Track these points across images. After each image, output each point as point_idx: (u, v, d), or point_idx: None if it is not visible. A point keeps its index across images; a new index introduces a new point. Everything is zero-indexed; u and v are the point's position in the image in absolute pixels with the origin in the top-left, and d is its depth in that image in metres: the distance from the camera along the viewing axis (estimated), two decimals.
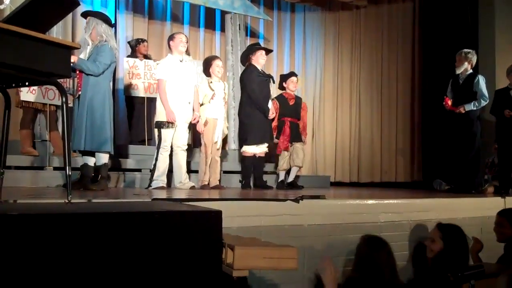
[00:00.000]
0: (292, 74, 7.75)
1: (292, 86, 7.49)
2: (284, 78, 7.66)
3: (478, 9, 9.11)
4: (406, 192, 6.76)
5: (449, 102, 6.84)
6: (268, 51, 7.21)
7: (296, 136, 7.39)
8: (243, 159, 6.96)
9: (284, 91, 7.54)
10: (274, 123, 7.22)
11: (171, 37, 6.26)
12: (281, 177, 7.38)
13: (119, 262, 2.23)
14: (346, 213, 4.37)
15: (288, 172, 7.45)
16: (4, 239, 1.97)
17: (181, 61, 6.12)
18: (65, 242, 2.10)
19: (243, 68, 7.19)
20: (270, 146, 7.05)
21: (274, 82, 7.22)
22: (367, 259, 3.38)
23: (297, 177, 7.62)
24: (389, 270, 3.36)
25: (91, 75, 5.15)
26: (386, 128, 10.02)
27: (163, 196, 4.15)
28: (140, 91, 7.49)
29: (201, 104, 6.42)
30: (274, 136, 7.24)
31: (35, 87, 6.04)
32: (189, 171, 6.48)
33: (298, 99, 7.59)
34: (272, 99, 7.33)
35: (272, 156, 7.73)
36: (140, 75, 7.50)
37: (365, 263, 3.38)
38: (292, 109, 7.41)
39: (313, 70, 9.97)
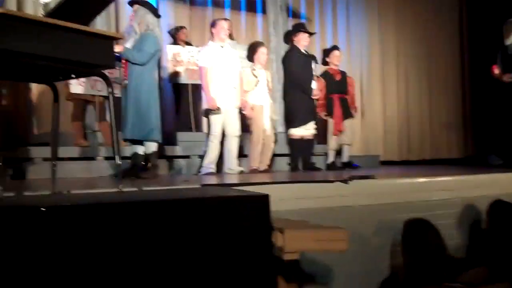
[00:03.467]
0: (334, 48, 7.61)
1: (336, 60, 7.37)
2: (326, 52, 7.55)
3: None
4: (458, 169, 6.60)
5: (496, 71, 6.64)
6: (310, 34, 7.15)
7: (346, 112, 7.29)
8: (290, 142, 6.94)
9: (328, 66, 7.46)
10: (322, 101, 7.16)
11: (213, 24, 6.27)
12: (331, 158, 7.33)
13: (171, 249, 2.25)
14: (397, 192, 4.29)
15: (339, 152, 7.40)
16: (58, 230, 2.01)
17: (222, 47, 6.12)
18: (118, 231, 2.14)
19: (286, 49, 7.14)
20: (318, 127, 7.00)
21: (317, 63, 7.17)
22: (415, 242, 3.32)
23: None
24: (438, 250, 3.30)
25: (137, 64, 5.20)
26: (435, 103, 9.83)
27: (212, 182, 4.17)
28: (184, 78, 7.51)
29: (246, 92, 6.44)
30: (324, 114, 7.18)
31: (84, 79, 6.14)
32: (239, 156, 6.49)
33: (344, 74, 7.48)
34: (317, 77, 7.28)
35: (320, 136, 7.72)
36: (183, 62, 7.52)
37: (413, 245, 3.33)
38: (339, 84, 7.31)
39: (358, 47, 9.82)
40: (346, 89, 7.39)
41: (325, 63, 7.53)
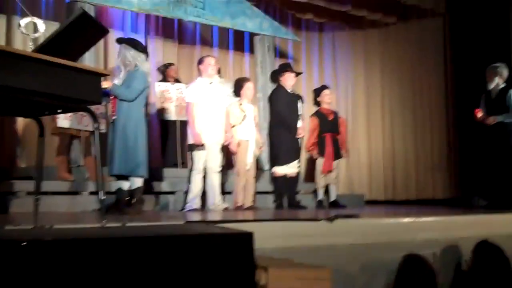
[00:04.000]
0: (324, 87, 7.69)
1: (327, 99, 7.45)
2: (317, 92, 7.64)
3: (509, 21, 8.95)
4: (443, 209, 6.62)
5: (479, 114, 6.73)
6: (297, 74, 7.26)
7: (337, 152, 7.35)
8: (274, 179, 6.98)
9: (320, 106, 7.52)
10: (314, 140, 7.23)
11: (200, 61, 6.34)
12: (320, 196, 7.37)
13: (153, 285, 2.22)
14: (382, 232, 4.29)
15: (326, 191, 7.43)
16: (39, 265, 1.99)
17: (210, 83, 6.17)
18: (99, 267, 2.12)
19: (273, 88, 7.24)
20: (307, 165, 7.04)
21: (303, 102, 7.28)
22: (407, 281, 3.28)
23: None
24: None
25: (125, 100, 5.22)
26: (420, 143, 9.85)
27: (197, 219, 4.15)
28: (172, 115, 7.54)
29: (232, 126, 6.47)
30: (315, 153, 7.22)
31: (70, 114, 6.14)
32: (223, 192, 6.50)
33: (336, 114, 7.56)
34: (311, 116, 7.41)
35: (308, 174, 7.71)
36: (171, 99, 7.56)
37: (405, 285, 3.29)
38: (331, 124, 7.39)
39: (343, 88, 9.92)
40: (338, 129, 7.46)
41: (316, 103, 7.62)
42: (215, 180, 6.11)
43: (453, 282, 3.93)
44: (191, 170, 6.07)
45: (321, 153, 7.24)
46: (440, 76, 9.91)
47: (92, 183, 6.22)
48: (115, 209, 5.20)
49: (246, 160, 6.49)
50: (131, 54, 5.32)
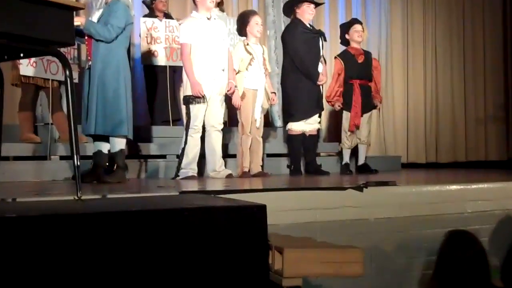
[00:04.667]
0: (354, 21, 7.59)
1: (357, 37, 7.31)
2: (345, 28, 7.51)
3: None
4: (498, 174, 6.61)
5: None
6: (317, 5, 7.15)
7: (368, 103, 7.28)
8: (290, 138, 6.97)
9: (348, 46, 7.44)
10: (339, 87, 7.16)
11: None
12: (345, 158, 7.34)
13: (140, 274, 2.23)
14: (423, 202, 4.31)
15: (353, 152, 7.41)
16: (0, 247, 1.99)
17: (209, 19, 6.12)
18: (75, 249, 2.12)
19: (287, 23, 7.13)
20: (329, 120, 7.01)
21: (325, 40, 7.16)
22: (451, 262, 3.28)
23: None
24: (481, 276, 3.26)
25: (102, 41, 5.19)
26: (471, 94, 9.83)
27: (194, 188, 4.17)
28: (161, 59, 7.51)
29: (237, 72, 6.43)
30: (338, 104, 7.16)
31: (35, 60, 6.11)
32: (226, 155, 6.50)
33: (368, 55, 7.47)
34: (336, 57, 7.32)
35: (330, 131, 7.67)
36: (160, 39, 7.52)
37: (449, 267, 3.28)
38: (361, 67, 7.28)
39: (376, 23, 9.85)
40: (370, 74, 7.38)
41: (343, 41, 7.53)
42: (216, 140, 6.11)
43: (504, 263, 3.93)
44: (186, 128, 6.04)
45: (348, 104, 7.15)
46: (497, 10, 9.76)
47: (64, 145, 6.22)
48: (92, 177, 5.21)
49: (253, 115, 6.47)
50: None
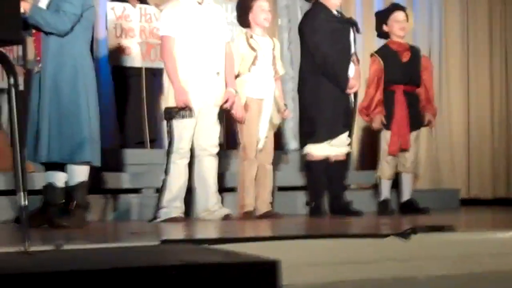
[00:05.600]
0: (395, 7, 7.62)
1: (399, 28, 7.37)
2: (382, 16, 7.59)
3: None
4: None
5: None
6: None
7: (416, 117, 7.31)
8: (309, 166, 6.99)
9: (387, 39, 7.50)
10: (377, 96, 7.17)
11: None
12: (384, 193, 7.35)
13: None
14: (490, 254, 4.26)
15: (395, 184, 7.42)
16: None
17: (200, 3, 6.17)
18: None
19: (306, 10, 7.19)
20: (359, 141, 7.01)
21: (358, 32, 7.21)
22: None
23: None
24: None
25: (53, 33, 5.20)
26: None
27: (179, 236, 4.22)
28: (135, 59, 7.57)
29: (237, 76, 6.46)
30: (377, 119, 7.14)
31: None
32: (222, 189, 6.53)
33: (415, 52, 7.52)
34: (372, 55, 7.38)
35: (363, 156, 7.65)
36: (134, 32, 7.58)
37: None
38: (406, 68, 7.34)
39: (425, 9, 9.89)
40: (419, 77, 7.41)
41: (381, 34, 7.59)
42: (209, 168, 6.16)
43: None
44: (168, 152, 6.08)
45: (388, 119, 7.18)
46: None
47: (4, 175, 6.21)
48: (42, 219, 5.22)
49: (258, 134, 6.50)
50: None
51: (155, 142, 7.66)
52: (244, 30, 6.71)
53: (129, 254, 2.99)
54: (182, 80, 5.98)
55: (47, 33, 5.23)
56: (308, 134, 6.89)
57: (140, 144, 7.61)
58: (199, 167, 6.15)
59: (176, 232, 4.54)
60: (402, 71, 7.27)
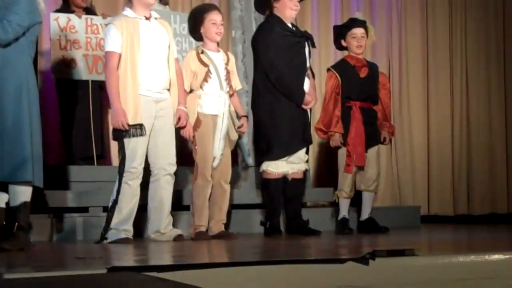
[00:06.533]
0: (354, 22, 7.60)
1: (358, 43, 7.39)
2: (340, 31, 7.60)
3: None
4: None
5: None
6: None
7: (373, 134, 7.36)
8: (265, 184, 6.97)
9: (346, 53, 7.51)
10: (334, 111, 7.18)
11: None
12: (343, 211, 7.35)
13: None
14: (453, 279, 4.23)
15: (354, 202, 7.46)
16: None
17: (147, 18, 6.14)
18: None
19: (260, 21, 7.22)
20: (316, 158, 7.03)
21: (314, 46, 7.23)
22: None
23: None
24: None
25: None
26: None
27: (128, 262, 4.12)
28: (81, 71, 7.51)
29: (190, 91, 6.45)
30: (335, 135, 7.17)
31: None
32: (175, 207, 6.50)
33: (373, 67, 7.57)
34: (329, 69, 7.38)
35: (321, 173, 7.64)
36: (79, 43, 7.52)
37: None
38: (364, 84, 7.37)
39: (384, 22, 9.95)
40: (376, 94, 7.48)
41: (339, 46, 7.61)
42: (165, 188, 6.13)
43: None
44: (120, 171, 6.01)
45: (345, 135, 7.20)
46: None
47: None
48: None
49: (212, 151, 6.46)
50: None
51: (103, 158, 7.60)
52: (195, 43, 6.79)
53: (73, 284, 2.92)
54: (130, 98, 5.93)
55: None
56: (264, 151, 6.89)
57: (87, 161, 7.54)
58: (155, 187, 6.11)
59: (125, 257, 4.46)
60: (359, 87, 7.33)
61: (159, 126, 6.05)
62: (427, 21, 10.12)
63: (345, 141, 7.18)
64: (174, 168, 6.14)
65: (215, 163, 6.49)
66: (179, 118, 6.16)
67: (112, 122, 5.95)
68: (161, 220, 6.09)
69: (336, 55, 7.86)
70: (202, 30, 6.55)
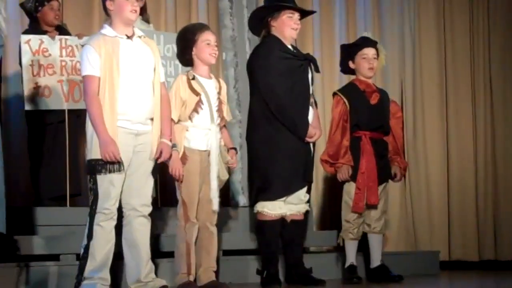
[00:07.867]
0: (366, 41, 7.49)
1: (367, 68, 7.25)
2: (349, 51, 7.50)
3: None
4: None
5: None
6: (303, 14, 7.11)
7: (384, 169, 7.24)
8: (261, 227, 6.85)
9: (354, 77, 7.46)
10: (346, 143, 7.10)
11: None
12: (350, 257, 7.24)
13: None
14: None
15: (362, 246, 7.37)
16: None
17: (129, 36, 5.91)
18: None
19: (255, 42, 7.23)
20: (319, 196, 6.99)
21: (317, 71, 7.16)
22: None
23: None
24: None
25: None
26: None
27: None
28: (55, 100, 7.40)
29: (177, 122, 6.26)
30: (342, 170, 7.05)
31: None
32: (157, 255, 6.48)
33: (383, 94, 7.47)
34: (335, 94, 7.36)
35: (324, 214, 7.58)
36: (53, 67, 7.40)
37: None
38: (374, 112, 7.26)
39: (397, 43, 9.94)
40: (387, 123, 7.36)
41: (346, 69, 7.51)
42: (141, 232, 5.90)
43: None
44: (91, 213, 5.79)
45: (355, 169, 7.09)
46: None
47: None
48: None
49: (197, 193, 6.31)
50: None
51: (78, 197, 7.52)
52: (184, 69, 6.62)
53: None
54: (109, 127, 5.72)
55: None
56: (259, 190, 6.73)
57: (59, 200, 7.45)
58: (128, 230, 5.88)
59: None
60: (370, 115, 7.19)
61: (137, 163, 5.86)
62: (445, 38, 10.14)
63: (354, 176, 7.05)
64: (148, 209, 5.93)
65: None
66: (161, 152, 5.92)
67: (101, 153, 5.67)
68: (139, 267, 5.86)
69: (341, 80, 7.63)
70: (194, 52, 6.38)
